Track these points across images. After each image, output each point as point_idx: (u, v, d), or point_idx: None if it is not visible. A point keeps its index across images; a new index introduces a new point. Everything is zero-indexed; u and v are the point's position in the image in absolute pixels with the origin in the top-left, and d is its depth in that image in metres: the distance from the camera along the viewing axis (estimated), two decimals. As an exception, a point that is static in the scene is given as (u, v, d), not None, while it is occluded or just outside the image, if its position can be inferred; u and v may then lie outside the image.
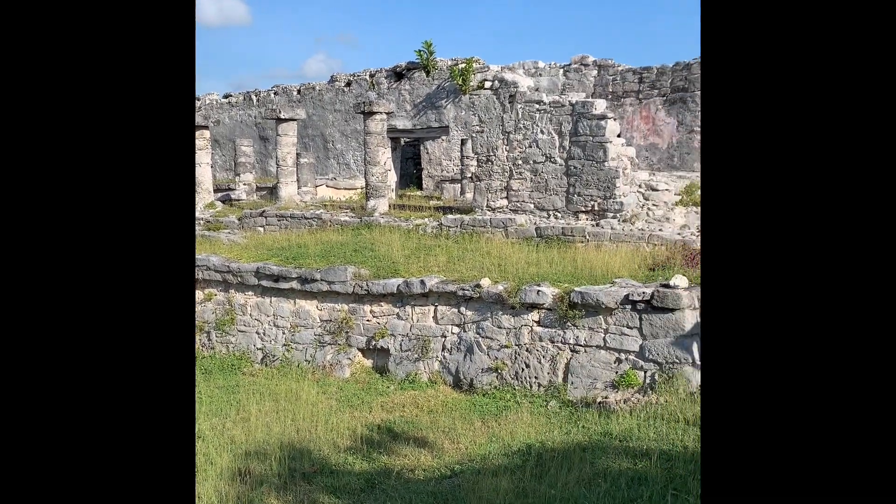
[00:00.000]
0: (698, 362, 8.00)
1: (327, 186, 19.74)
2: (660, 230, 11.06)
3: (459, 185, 18.14)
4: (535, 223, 12.03)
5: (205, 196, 16.93)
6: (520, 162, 12.60)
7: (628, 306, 8.38)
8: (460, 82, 17.57)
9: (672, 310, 8.13)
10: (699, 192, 13.02)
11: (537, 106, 12.42)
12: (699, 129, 17.06)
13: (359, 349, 10.51)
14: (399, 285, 10.11)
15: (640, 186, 12.07)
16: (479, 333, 9.45)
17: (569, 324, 8.74)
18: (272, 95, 23.16)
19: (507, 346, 9.16)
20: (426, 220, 13.22)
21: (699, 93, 17.01)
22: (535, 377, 8.89)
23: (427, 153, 21.26)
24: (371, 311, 10.51)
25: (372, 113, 14.71)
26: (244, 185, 18.58)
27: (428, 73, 18.99)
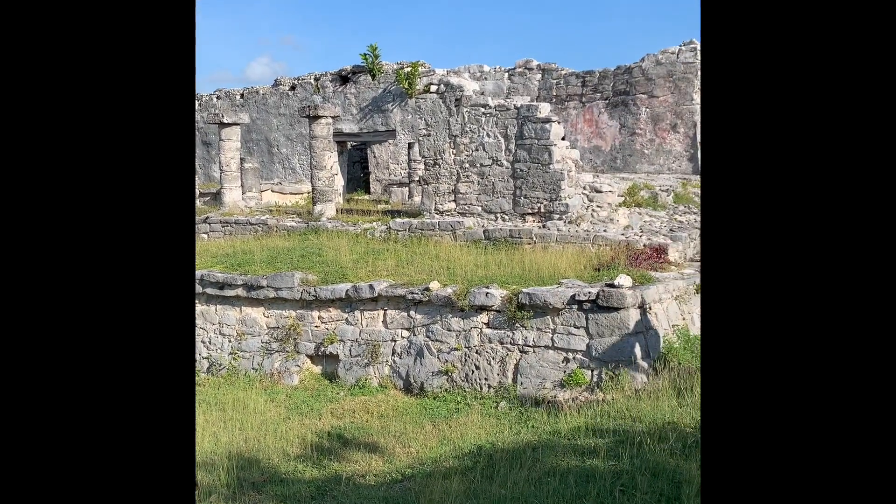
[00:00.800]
0: (641, 361, 8.19)
1: (273, 191, 19.46)
2: (604, 231, 11.29)
3: (407, 188, 18.14)
4: (482, 226, 12.13)
5: (146, 202, 16.48)
6: (467, 165, 12.68)
7: (575, 306, 8.53)
8: (406, 86, 17.58)
9: (617, 309, 8.31)
10: (641, 193, 13.34)
11: (483, 109, 12.53)
12: (641, 132, 17.49)
13: (307, 356, 10.40)
14: (348, 290, 10.05)
15: (584, 188, 12.30)
16: (428, 337, 9.47)
17: (517, 325, 8.84)
18: (215, 100, 22.73)
19: (456, 349, 9.20)
20: (374, 224, 13.18)
21: (640, 96, 17.44)
22: (486, 379, 8.96)
23: (374, 157, 21.18)
24: (319, 317, 10.41)
25: (317, 117, 14.59)
26: (187, 190, 18.15)
27: (374, 76, 18.94)
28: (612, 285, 8.48)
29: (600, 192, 12.27)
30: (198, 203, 18.05)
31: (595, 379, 8.29)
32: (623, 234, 11.20)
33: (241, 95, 22.08)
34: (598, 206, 12.16)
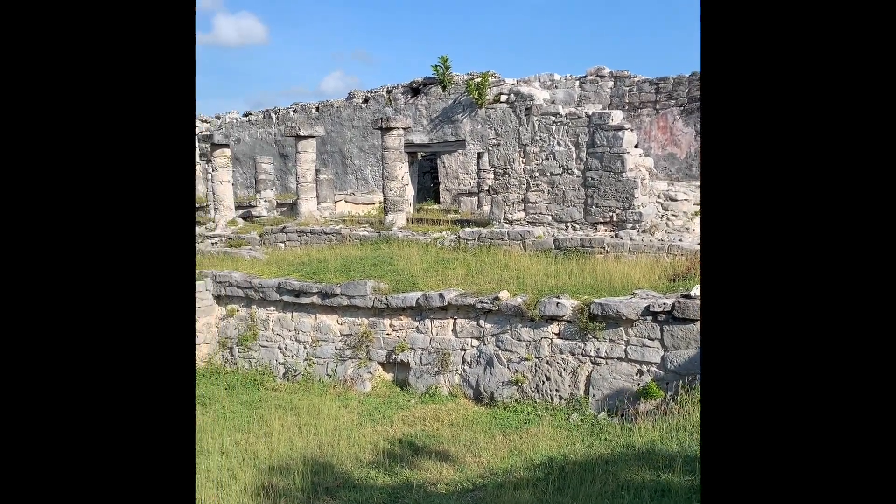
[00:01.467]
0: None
1: (346, 201, 19.89)
2: (679, 240, 11.01)
3: (476, 198, 18.19)
4: (553, 235, 12.03)
5: (226, 213, 17.15)
6: (536, 174, 12.63)
7: (649, 317, 8.35)
8: (476, 96, 17.67)
9: (693, 320, 8.09)
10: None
11: (553, 118, 12.46)
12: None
13: (379, 363, 10.55)
14: (418, 299, 10.15)
15: (658, 197, 12.04)
16: (498, 346, 9.45)
17: (589, 336, 8.72)
18: (291, 113, 23.44)
19: (527, 359, 9.15)
20: (444, 233, 13.27)
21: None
22: (556, 390, 8.86)
23: (444, 167, 21.36)
24: (391, 325, 10.55)
25: (389, 128, 14.84)
26: (265, 201, 18.79)
27: (444, 87, 19.12)
28: (688, 296, 8.26)
29: (675, 200, 11.98)
30: (275, 213, 18.63)
31: (670, 392, 8.08)
32: (699, 244, 10.89)
33: (317, 109, 22.68)
34: (672, 215, 11.88)
